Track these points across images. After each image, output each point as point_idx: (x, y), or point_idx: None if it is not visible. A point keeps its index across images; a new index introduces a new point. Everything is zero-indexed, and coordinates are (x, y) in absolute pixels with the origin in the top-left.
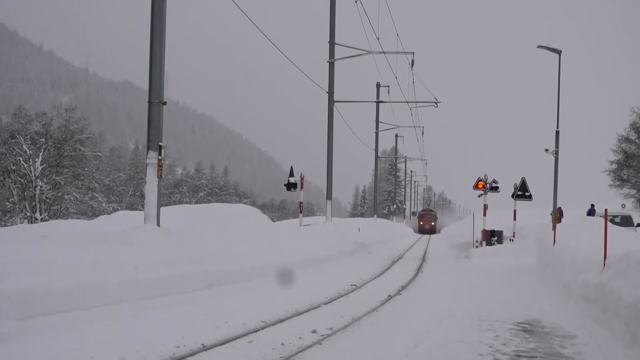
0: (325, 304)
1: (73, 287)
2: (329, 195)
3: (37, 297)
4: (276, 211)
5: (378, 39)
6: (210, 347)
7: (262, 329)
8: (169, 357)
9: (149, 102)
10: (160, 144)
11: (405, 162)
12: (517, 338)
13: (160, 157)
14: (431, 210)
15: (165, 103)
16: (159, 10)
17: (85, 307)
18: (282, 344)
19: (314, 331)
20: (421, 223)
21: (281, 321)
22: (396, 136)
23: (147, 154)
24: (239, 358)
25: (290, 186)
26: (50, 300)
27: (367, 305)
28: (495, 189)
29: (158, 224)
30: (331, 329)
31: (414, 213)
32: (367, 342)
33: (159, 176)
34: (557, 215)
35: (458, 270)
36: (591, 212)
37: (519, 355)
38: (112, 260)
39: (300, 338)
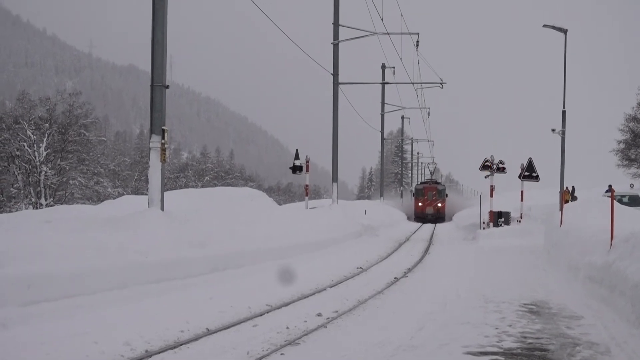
0: (331, 287)
1: (76, 272)
2: (334, 178)
3: (40, 282)
4: (282, 194)
5: (382, 19)
6: (215, 331)
7: (267, 312)
8: (173, 341)
9: (152, 85)
10: (163, 127)
11: (412, 143)
12: (523, 319)
13: (163, 141)
14: (436, 183)
15: (167, 87)
16: None
17: (89, 292)
18: (287, 327)
19: (319, 314)
20: (419, 204)
21: (286, 305)
22: (402, 118)
23: (150, 138)
24: (244, 342)
25: (296, 169)
26: (54, 286)
27: (372, 288)
28: (502, 169)
29: (162, 208)
30: (337, 312)
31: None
32: (372, 325)
33: (163, 160)
34: (566, 194)
35: (465, 252)
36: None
37: (525, 337)
38: (116, 244)
39: (305, 321)
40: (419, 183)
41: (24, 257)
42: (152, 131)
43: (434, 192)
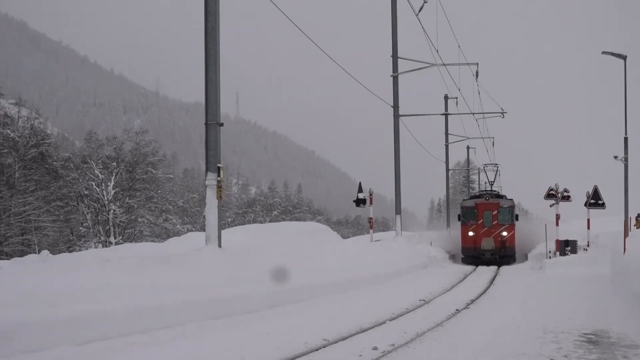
0: (391, 319)
1: (131, 311)
2: (398, 210)
3: (94, 321)
4: (351, 227)
5: (437, 51)
6: None
7: (324, 347)
8: None
9: (206, 124)
10: (218, 165)
11: (479, 173)
12: (580, 349)
13: (219, 179)
14: (498, 196)
15: (222, 124)
16: (212, 32)
17: (144, 330)
18: None
19: (375, 348)
20: (470, 234)
21: (344, 339)
22: (468, 148)
23: (205, 175)
24: None
25: (360, 202)
26: (108, 324)
27: (432, 320)
28: (566, 198)
29: (219, 245)
30: (393, 345)
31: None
32: (427, 358)
33: (219, 197)
34: (639, 223)
35: (531, 282)
36: None
37: None
38: (172, 282)
39: (360, 355)
40: (468, 197)
41: (79, 296)
42: (207, 169)
43: (495, 212)
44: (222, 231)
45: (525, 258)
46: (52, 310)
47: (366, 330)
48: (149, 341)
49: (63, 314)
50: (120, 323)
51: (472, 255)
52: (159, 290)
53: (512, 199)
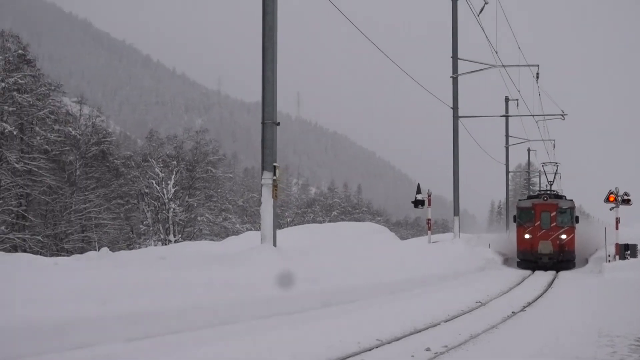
0: (446, 321)
1: (184, 308)
2: (456, 212)
3: (146, 318)
4: (410, 228)
5: (496, 52)
6: None
7: (376, 347)
8: None
9: (262, 123)
10: (274, 164)
11: (540, 176)
12: (635, 354)
13: (274, 178)
14: (557, 197)
15: (278, 123)
16: (270, 31)
17: (196, 328)
18: None
19: (427, 349)
20: (526, 237)
21: (397, 339)
22: (528, 150)
23: (262, 174)
24: None
25: (418, 203)
26: (160, 321)
27: (487, 322)
28: (627, 201)
29: (274, 244)
30: (446, 346)
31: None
32: None
33: (274, 197)
34: None
35: (589, 285)
36: None
37: None
38: (225, 280)
39: (412, 356)
40: (525, 197)
41: (131, 293)
42: (263, 168)
43: (554, 213)
44: (279, 230)
45: (586, 262)
46: (104, 306)
47: (420, 331)
48: (201, 338)
49: (114, 310)
50: (171, 320)
51: (529, 260)
52: (212, 288)
53: (572, 200)
